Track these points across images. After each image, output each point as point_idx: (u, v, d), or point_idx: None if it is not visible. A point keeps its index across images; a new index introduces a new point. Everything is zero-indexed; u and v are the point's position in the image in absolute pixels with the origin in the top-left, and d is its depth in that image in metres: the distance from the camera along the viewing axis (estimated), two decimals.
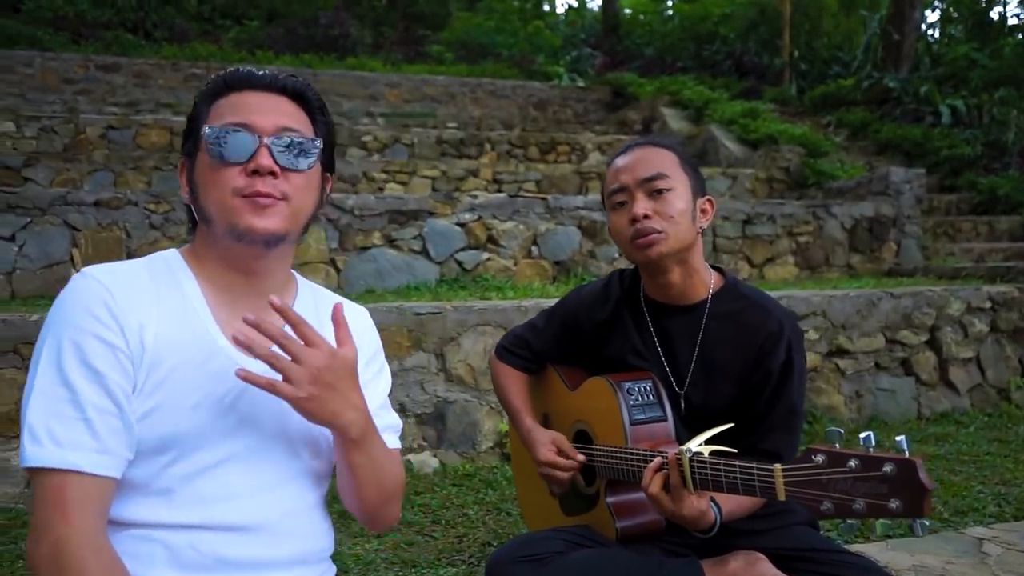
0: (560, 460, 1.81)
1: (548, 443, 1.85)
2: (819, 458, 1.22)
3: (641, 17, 19.00)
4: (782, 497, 1.29)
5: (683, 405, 1.76)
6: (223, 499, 1.14)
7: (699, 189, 1.77)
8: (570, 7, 22.89)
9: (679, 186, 1.71)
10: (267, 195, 1.15)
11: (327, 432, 1.23)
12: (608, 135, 9.82)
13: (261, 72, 1.23)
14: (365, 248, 5.01)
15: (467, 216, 5.29)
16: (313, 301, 1.33)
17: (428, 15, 16.70)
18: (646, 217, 1.66)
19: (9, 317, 2.96)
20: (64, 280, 3.97)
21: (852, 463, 1.18)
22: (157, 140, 7.77)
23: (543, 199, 5.57)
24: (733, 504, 1.56)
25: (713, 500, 1.51)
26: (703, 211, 1.77)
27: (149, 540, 1.11)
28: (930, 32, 14.30)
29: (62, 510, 1.02)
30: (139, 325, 1.11)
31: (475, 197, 5.46)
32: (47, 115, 7.85)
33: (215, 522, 1.13)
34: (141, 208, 4.75)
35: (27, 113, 7.77)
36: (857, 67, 12.18)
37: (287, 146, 1.18)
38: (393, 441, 1.36)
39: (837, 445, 1.22)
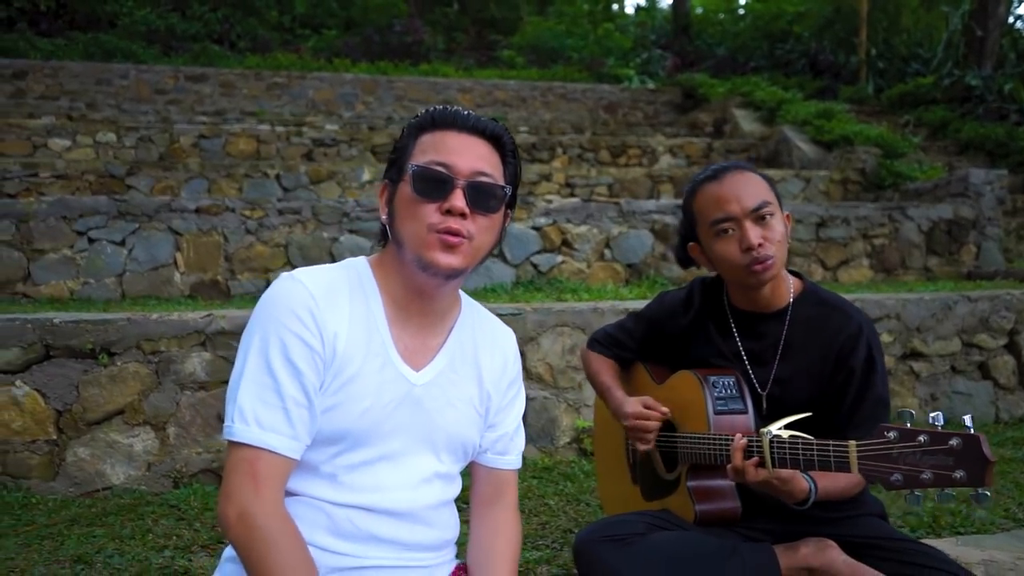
0: (647, 411, 1.93)
1: (635, 401, 1.97)
2: (892, 434, 1.37)
3: (713, 16, 18.89)
4: (855, 470, 1.44)
5: (765, 405, 1.89)
6: (374, 489, 1.33)
7: (781, 207, 1.89)
8: (639, 7, 22.84)
9: (777, 211, 1.83)
10: (456, 233, 1.28)
11: (466, 442, 1.43)
12: (679, 137, 9.85)
13: (466, 113, 1.35)
14: None
15: (542, 220, 5.46)
16: (471, 323, 1.48)
17: (499, 20, 16.95)
18: (760, 245, 1.77)
19: (133, 316, 3.25)
20: (168, 282, 4.29)
21: (922, 438, 1.33)
22: (245, 148, 8.17)
23: (616, 203, 5.70)
24: (828, 481, 1.66)
25: (807, 474, 1.64)
26: (787, 224, 1.89)
27: (315, 508, 1.31)
28: (1018, 24, 13.82)
29: (254, 481, 1.21)
30: (334, 334, 1.28)
31: (550, 202, 5.63)
32: (144, 125, 8.33)
33: (369, 505, 1.32)
34: (238, 214, 5.07)
35: (125, 124, 8.27)
36: (937, 64, 11.90)
37: (479, 190, 1.31)
38: (519, 462, 1.56)
39: (908, 424, 1.37)
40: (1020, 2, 14.49)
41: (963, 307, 4.19)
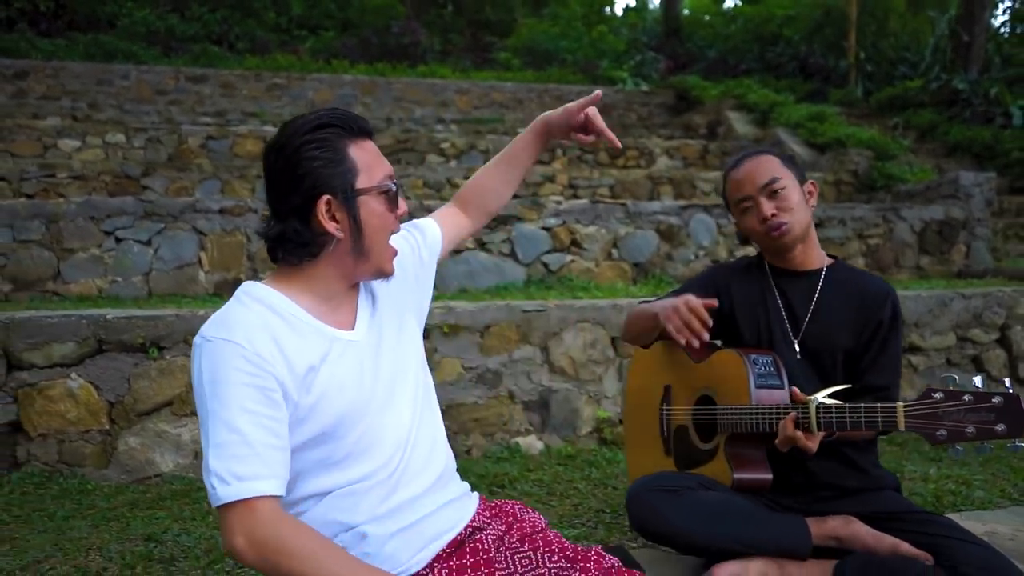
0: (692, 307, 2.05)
1: (679, 300, 2.09)
2: (938, 395, 1.62)
3: (700, 18, 19.13)
4: (902, 428, 1.67)
5: (798, 349, 2.15)
6: (390, 443, 1.44)
7: (802, 177, 2.20)
8: (629, 8, 23.05)
9: (789, 182, 2.15)
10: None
11: (420, 351, 1.62)
12: (674, 139, 10.07)
13: (362, 117, 1.47)
14: (458, 251, 5.41)
15: (552, 221, 5.66)
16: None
17: (494, 22, 17.12)
18: (773, 216, 2.10)
19: (181, 312, 3.43)
20: (193, 280, 4.46)
21: (966, 397, 1.58)
22: (252, 149, 8.31)
23: (623, 205, 5.91)
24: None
25: None
26: (810, 193, 2.20)
27: (351, 495, 1.40)
28: (1002, 30, 14.14)
29: (252, 519, 1.26)
30: (272, 356, 1.33)
31: (559, 203, 5.82)
32: (152, 126, 8.46)
33: (390, 464, 1.44)
34: (260, 215, 5.23)
35: (133, 125, 8.40)
36: (925, 68, 12.19)
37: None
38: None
39: (951, 386, 1.61)
40: (1005, 10, 14.74)
41: (958, 304, 4.43)
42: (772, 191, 2.11)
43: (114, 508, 2.94)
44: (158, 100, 11.33)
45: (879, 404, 1.75)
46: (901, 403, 1.69)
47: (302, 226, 1.41)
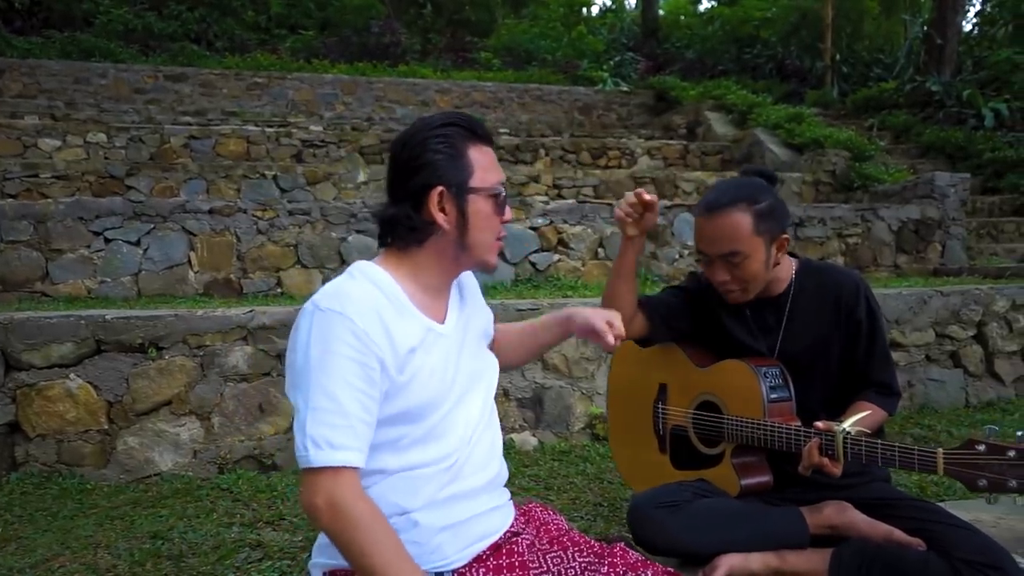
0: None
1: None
2: (981, 447, 1.63)
3: (675, 19, 19.29)
4: (940, 473, 1.70)
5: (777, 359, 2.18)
6: (457, 436, 1.52)
7: (776, 234, 2.08)
8: (607, 9, 23.19)
9: (754, 252, 2.04)
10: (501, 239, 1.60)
11: (492, 368, 1.68)
12: (655, 140, 10.19)
13: (483, 122, 1.57)
14: None
15: (540, 221, 5.73)
16: (456, 281, 1.69)
17: (474, 22, 17.14)
18: (725, 282, 2.09)
19: (180, 312, 3.45)
20: (183, 280, 4.47)
21: (1011, 453, 1.59)
22: (235, 149, 8.30)
23: (609, 204, 5.99)
24: (863, 426, 1.94)
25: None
26: (779, 248, 2.11)
27: (413, 478, 1.49)
28: (973, 32, 14.43)
29: (336, 477, 1.34)
30: (377, 335, 1.40)
31: (546, 203, 5.89)
32: (133, 126, 8.41)
33: (453, 455, 1.51)
34: (249, 215, 5.25)
35: (114, 124, 8.34)
36: (899, 71, 12.42)
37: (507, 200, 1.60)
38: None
39: (992, 439, 1.64)
40: (976, 14, 15.01)
41: (936, 301, 4.55)
42: (730, 261, 2.06)
43: (116, 507, 2.97)
44: (136, 99, 11.25)
45: (916, 447, 1.77)
46: (941, 449, 1.71)
47: (414, 212, 1.50)
